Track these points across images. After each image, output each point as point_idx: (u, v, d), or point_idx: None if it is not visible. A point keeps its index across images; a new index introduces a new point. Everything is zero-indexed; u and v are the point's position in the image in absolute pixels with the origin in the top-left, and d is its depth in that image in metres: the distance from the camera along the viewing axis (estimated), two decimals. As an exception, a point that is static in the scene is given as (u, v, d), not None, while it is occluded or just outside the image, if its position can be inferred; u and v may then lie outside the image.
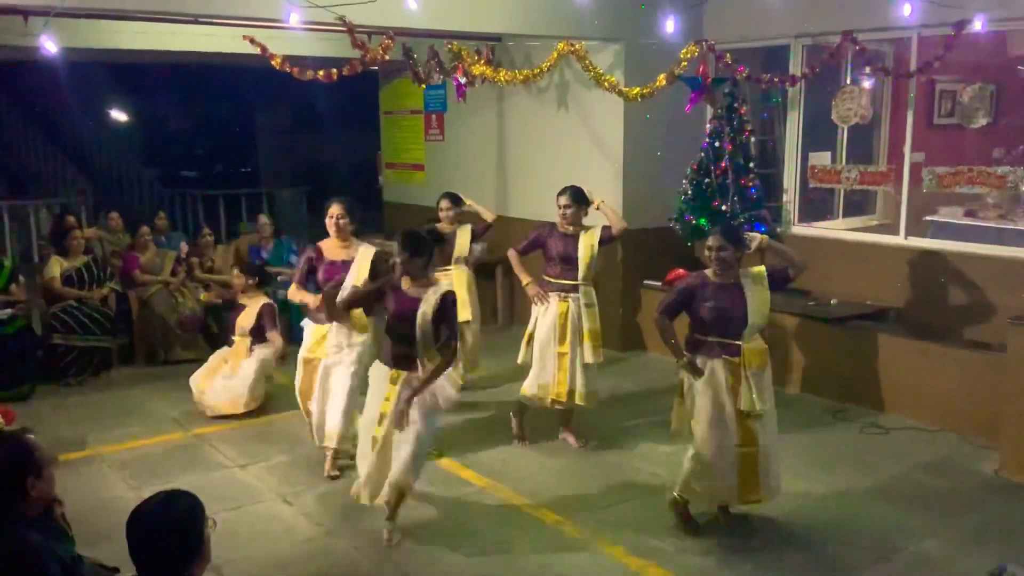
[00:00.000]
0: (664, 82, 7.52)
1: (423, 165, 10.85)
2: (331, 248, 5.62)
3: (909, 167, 7.32)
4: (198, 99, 17.67)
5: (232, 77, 14.79)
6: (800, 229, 8.09)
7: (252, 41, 6.31)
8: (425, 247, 4.66)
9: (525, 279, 6.16)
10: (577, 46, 7.89)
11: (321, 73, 6.51)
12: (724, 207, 7.46)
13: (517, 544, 4.79)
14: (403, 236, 4.68)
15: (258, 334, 6.96)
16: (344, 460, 5.64)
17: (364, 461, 4.75)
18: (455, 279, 7.12)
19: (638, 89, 7.62)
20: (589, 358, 5.96)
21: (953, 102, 8.12)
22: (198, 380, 6.86)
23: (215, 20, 6.43)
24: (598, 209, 6.08)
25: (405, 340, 4.61)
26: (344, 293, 5.08)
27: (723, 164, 7.49)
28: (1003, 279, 6.73)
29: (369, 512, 4.92)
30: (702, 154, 7.66)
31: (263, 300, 7.11)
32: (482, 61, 8.33)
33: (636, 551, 4.68)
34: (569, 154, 8.72)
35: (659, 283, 8.20)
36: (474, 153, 9.93)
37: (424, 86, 9.50)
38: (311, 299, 5.64)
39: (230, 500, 5.29)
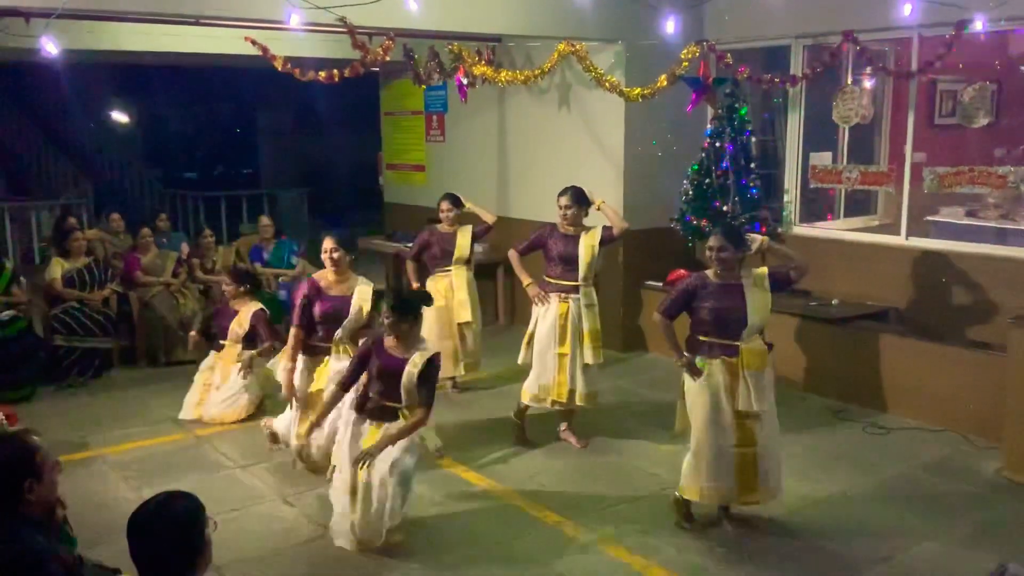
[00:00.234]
0: (665, 82, 7.51)
1: (424, 166, 10.86)
2: (328, 282, 5.62)
3: (910, 167, 7.31)
4: (199, 100, 17.72)
5: (233, 78, 14.83)
6: (801, 229, 8.09)
7: (253, 42, 6.31)
8: (411, 311, 4.73)
9: (526, 280, 6.17)
10: (578, 47, 7.88)
11: (322, 74, 6.50)
12: (725, 207, 7.45)
13: (518, 544, 4.79)
14: (393, 298, 4.82)
15: (250, 341, 6.95)
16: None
17: (344, 513, 4.69)
18: (455, 279, 7.14)
19: (639, 89, 7.61)
20: (590, 359, 5.96)
21: (954, 102, 8.11)
22: (191, 409, 6.78)
23: (216, 21, 6.42)
24: (599, 210, 6.08)
25: (388, 396, 4.70)
26: (340, 332, 5.40)
27: (724, 164, 7.49)
28: (1004, 279, 6.72)
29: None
30: (703, 154, 7.66)
31: (255, 306, 7.05)
32: (483, 62, 8.33)
33: (637, 551, 4.68)
34: (570, 154, 8.72)
35: (660, 284, 8.20)
36: (475, 154, 9.93)
37: (424, 87, 9.54)
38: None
39: (231, 501, 5.29)
